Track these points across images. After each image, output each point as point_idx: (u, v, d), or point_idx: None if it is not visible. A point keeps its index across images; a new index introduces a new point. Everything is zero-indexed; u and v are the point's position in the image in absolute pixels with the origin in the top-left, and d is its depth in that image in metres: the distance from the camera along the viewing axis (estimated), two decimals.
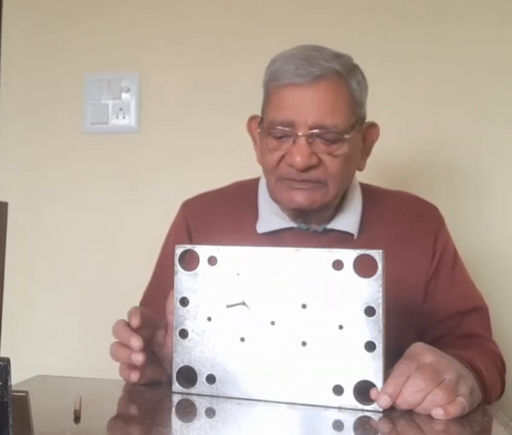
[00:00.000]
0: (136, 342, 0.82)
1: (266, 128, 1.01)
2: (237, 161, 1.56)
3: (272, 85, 1.01)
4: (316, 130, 0.96)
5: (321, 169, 0.98)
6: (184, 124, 1.64)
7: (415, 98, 1.55)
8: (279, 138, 0.99)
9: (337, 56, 1.00)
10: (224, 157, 1.60)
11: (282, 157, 1.00)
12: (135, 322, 0.84)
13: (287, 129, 0.98)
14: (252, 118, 1.11)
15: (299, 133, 0.97)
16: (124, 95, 1.65)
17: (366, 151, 1.08)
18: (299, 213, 1.04)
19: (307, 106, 0.97)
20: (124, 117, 1.65)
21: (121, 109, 1.65)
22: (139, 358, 0.82)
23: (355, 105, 1.01)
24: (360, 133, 1.04)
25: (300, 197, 1.00)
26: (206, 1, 1.64)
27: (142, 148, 1.65)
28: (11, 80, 1.71)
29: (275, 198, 1.05)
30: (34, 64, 1.71)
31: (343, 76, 0.99)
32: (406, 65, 1.55)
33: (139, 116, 1.65)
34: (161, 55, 1.65)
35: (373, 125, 1.07)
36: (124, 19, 1.67)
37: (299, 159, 0.96)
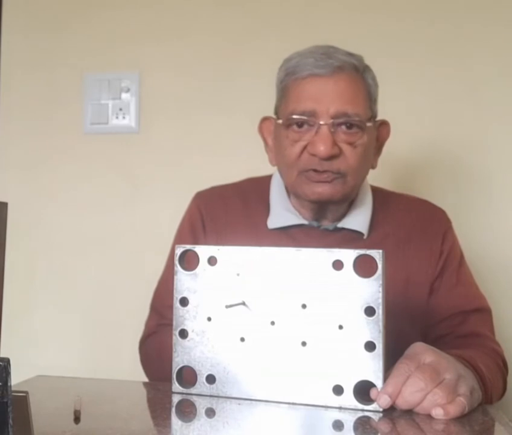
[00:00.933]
0: None
1: (285, 121, 1.02)
2: (237, 161, 1.56)
3: (291, 78, 1.02)
4: (338, 119, 0.98)
5: (341, 159, 0.99)
6: (184, 124, 1.64)
7: (419, 97, 1.54)
8: (300, 127, 1.00)
9: (351, 54, 1.02)
10: (224, 157, 1.60)
11: (304, 148, 1.00)
12: None
13: (309, 120, 0.99)
14: (264, 120, 1.11)
15: (321, 122, 0.98)
16: (124, 95, 1.66)
17: (377, 149, 1.09)
18: (318, 207, 1.05)
19: (329, 95, 0.98)
20: (124, 117, 1.65)
21: (120, 109, 1.65)
22: None
23: (371, 100, 1.03)
24: (375, 130, 1.05)
25: (322, 188, 1.01)
26: (206, 1, 1.64)
27: (142, 148, 1.65)
28: (11, 80, 1.71)
29: (296, 192, 1.05)
30: (34, 64, 1.71)
31: (360, 71, 1.02)
32: (410, 64, 1.55)
33: (139, 116, 1.65)
34: (161, 55, 1.65)
35: (384, 123, 1.09)
36: (124, 19, 1.67)
37: (322, 148, 0.97)
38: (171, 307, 0.85)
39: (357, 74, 1.01)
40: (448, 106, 1.54)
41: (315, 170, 1.00)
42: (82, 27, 1.69)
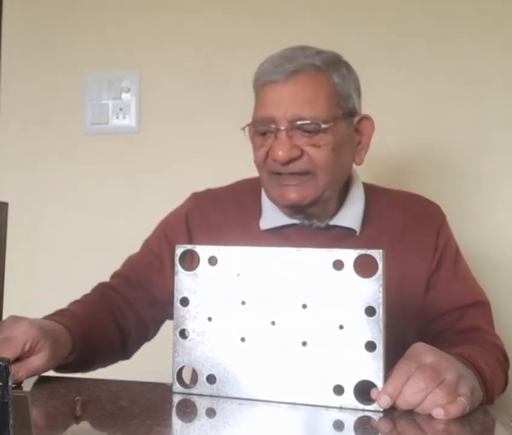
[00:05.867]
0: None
1: (252, 128, 1.04)
2: (237, 161, 1.56)
3: (256, 85, 1.05)
4: (295, 123, 0.99)
5: (305, 160, 1.00)
6: (184, 124, 1.64)
7: (413, 97, 1.55)
8: (263, 134, 1.02)
9: (319, 52, 1.02)
10: (224, 157, 1.60)
11: (268, 153, 1.02)
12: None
13: (269, 126, 1.00)
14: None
15: (281, 127, 0.99)
16: (124, 95, 1.66)
17: (363, 145, 1.08)
18: (293, 210, 1.05)
19: (284, 101, 0.99)
20: (124, 117, 1.65)
21: (121, 109, 1.65)
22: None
23: (339, 97, 1.02)
24: (350, 126, 1.04)
25: (291, 194, 1.01)
26: (207, 2, 1.64)
27: (142, 148, 1.65)
28: (11, 80, 1.71)
29: (269, 196, 1.06)
30: (34, 64, 1.71)
31: (323, 70, 1.01)
32: (405, 64, 1.55)
33: (139, 117, 1.65)
34: (161, 55, 1.65)
35: (366, 118, 1.08)
36: (124, 19, 1.67)
37: (280, 152, 0.98)
38: (118, 276, 1.11)
39: (318, 73, 1.00)
40: (441, 105, 1.54)
41: (280, 173, 1.01)
42: (82, 27, 1.69)
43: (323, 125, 0.99)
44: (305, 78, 1.00)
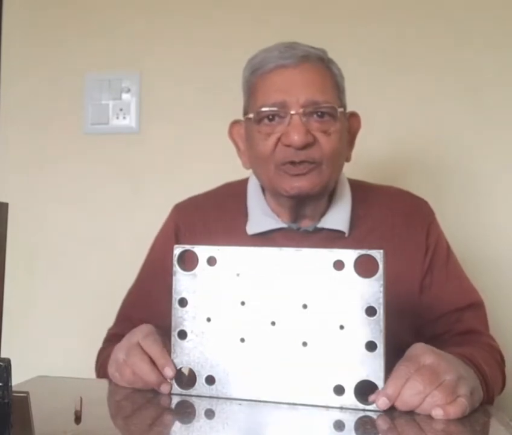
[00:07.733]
0: (170, 372, 0.81)
1: (256, 116, 1.01)
2: (238, 162, 1.56)
3: (257, 74, 1.02)
4: (309, 108, 0.97)
5: (316, 148, 0.98)
6: (184, 124, 1.64)
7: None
8: (271, 120, 0.99)
9: (314, 47, 1.03)
10: (224, 157, 1.59)
11: (278, 140, 0.99)
12: (169, 374, 0.81)
13: (279, 110, 0.98)
14: (234, 124, 1.11)
15: (292, 112, 0.97)
16: (125, 96, 1.66)
17: (350, 142, 1.08)
18: (296, 203, 1.03)
19: (297, 85, 0.98)
20: (124, 117, 1.65)
21: (121, 110, 1.65)
22: (167, 389, 0.81)
23: (339, 90, 1.03)
24: (345, 121, 1.05)
25: (300, 182, 0.99)
26: (207, 3, 1.64)
27: (142, 149, 1.65)
28: (11, 80, 1.71)
29: (274, 188, 1.03)
30: (35, 64, 1.71)
31: (325, 61, 1.02)
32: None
33: (139, 117, 1.65)
34: (162, 56, 1.65)
35: (354, 115, 1.08)
36: (125, 19, 1.67)
37: (296, 137, 0.96)
38: (129, 320, 1.01)
39: (323, 63, 1.01)
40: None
41: (292, 163, 0.99)
42: (83, 27, 1.69)
43: (339, 110, 0.99)
44: (313, 65, 1.00)
